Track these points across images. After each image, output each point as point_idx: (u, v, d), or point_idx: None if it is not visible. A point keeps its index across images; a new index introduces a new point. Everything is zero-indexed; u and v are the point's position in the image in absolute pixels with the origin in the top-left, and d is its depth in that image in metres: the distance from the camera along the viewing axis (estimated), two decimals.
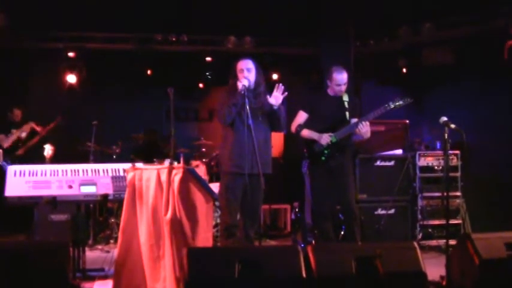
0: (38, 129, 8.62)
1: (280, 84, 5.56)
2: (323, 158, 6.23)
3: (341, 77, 6.23)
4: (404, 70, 9.31)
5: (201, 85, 9.63)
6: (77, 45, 9.25)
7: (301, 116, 6.39)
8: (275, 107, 5.56)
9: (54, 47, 9.23)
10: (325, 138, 6.16)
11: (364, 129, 6.06)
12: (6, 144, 8.55)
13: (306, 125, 6.33)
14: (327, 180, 6.28)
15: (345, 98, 6.34)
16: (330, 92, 6.39)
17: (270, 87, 5.82)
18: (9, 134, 8.64)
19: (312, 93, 6.73)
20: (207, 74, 9.59)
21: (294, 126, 6.35)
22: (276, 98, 5.55)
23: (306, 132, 6.29)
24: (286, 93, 5.57)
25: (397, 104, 6.13)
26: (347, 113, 6.28)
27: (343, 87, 6.27)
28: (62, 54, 9.21)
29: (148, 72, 9.53)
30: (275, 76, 9.65)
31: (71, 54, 9.20)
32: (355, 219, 6.26)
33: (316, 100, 6.44)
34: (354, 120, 6.25)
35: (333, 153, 6.22)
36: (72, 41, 9.27)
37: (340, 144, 6.22)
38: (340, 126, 6.23)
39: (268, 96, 5.65)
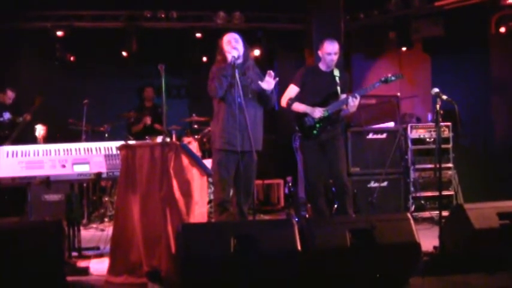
0: (28, 117, 8.33)
1: (271, 71, 5.50)
2: (315, 132, 6.23)
3: (332, 46, 6.23)
4: (394, 43, 9.28)
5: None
6: (66, 24, 9.17)
7: (292, 90, 6.36)
8: (267, 91, 5.53)
9: (43, 27, 9.14)
10: (318, 112, 6.16)
11: (354, 103, 6.08)
12: None
13: (297, 99, 6.31)
14: (318, 155, 6.29)
15: (336, 73, 6.32)
16: (321, 66, 6.37)
17: (260, 66, 5.79)
18: (1, 119, 8.39)
19: (303, 68, 6.69)
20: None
21: (284, 100, 6.32)
22: (268, 83, 5.46)
23: (297, 106, 6.28)
24: (277, 78, 5.49)
25: (389, 79, 6.16)
26: (338, 88, 6.28)
27: (334, 57, 6.25)
28: (50, 33, 9.12)
29: (136, 49, 9.42)
30: (262, 53, 9.57)
31: (59, 33, 9.11)
32: (347, 192, 6.26)
33: (308, 74, 6.40)
34: (345, 95, 6.26)
35: (324, 126, 6.21)
36: (61, 19, 9.18)
37: (331, 118, 6.22)
38: (331, 101, 6.23)
39: (260, 81, 5.61)
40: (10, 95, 8.58)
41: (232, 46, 5.44)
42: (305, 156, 6.40)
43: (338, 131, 6.40)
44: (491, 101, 8.43)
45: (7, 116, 8.42)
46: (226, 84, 5.36)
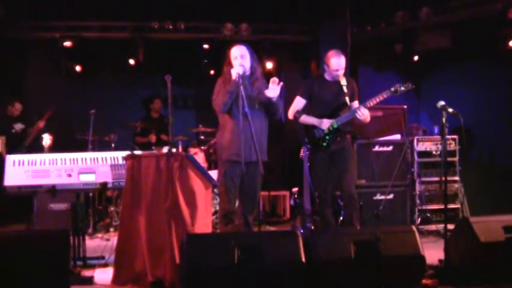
0: (41, 124, 8.48)
1: (275, 78, 5.47)
2: (324, 144, 6.20)
3: (339, 62, 6.18)
4: (401, 55, 9.28)
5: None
6: (74, 35, 9.21)
7: (299, 103, 6.34)
8: (273, 99, 5.50)
9: (51, 37, 9.20)
10: (326, 123, 6.13)
11: (364, 115, 6.05)
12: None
13: (305, 111, 6.29)
14: (327, 166, 6.27)
15: (343, 82, 6.26)
16: (327, 76, 6.34)
17: (267, 77, 5.78)
18: (13, 130, 8.50)
19: (309, 79, 6.68)
20: (205, 61, 9.56)
21: (291, 113, 6.30)
22: (274, 90, 5.43)
23: (305, 118, 6.25)
24: (281, 83, 5.44)
25: (399, 89, 6.10)
26: (347, 98, 6.25)
27: (341, 72, 6.23)
28: (58, 43, 9.17)
29: (143, 59, 9.44)
30: (269, 65, 9.57)
31: (67, 43, 9.15)
32: (354, 205, 6.25)
33: (315, 86, 6.35)
34: (355, 105, 6.24)
35: (334, 138, 6.19)
36: (69, 30, 9.23)
37: (341, 130, 6.19)
38: (340, 112, 6.20)
39: (265, 90, 5.60)
40: (18, 107, 8.74)
41: (239, 63, 5.43)
42: (314, 167, 6.37)
43: (348, 142, 6.37)
44: (497, 114, 8.40)
45: (19, 126, 8.54)
46: (231, 101, 5.36)
